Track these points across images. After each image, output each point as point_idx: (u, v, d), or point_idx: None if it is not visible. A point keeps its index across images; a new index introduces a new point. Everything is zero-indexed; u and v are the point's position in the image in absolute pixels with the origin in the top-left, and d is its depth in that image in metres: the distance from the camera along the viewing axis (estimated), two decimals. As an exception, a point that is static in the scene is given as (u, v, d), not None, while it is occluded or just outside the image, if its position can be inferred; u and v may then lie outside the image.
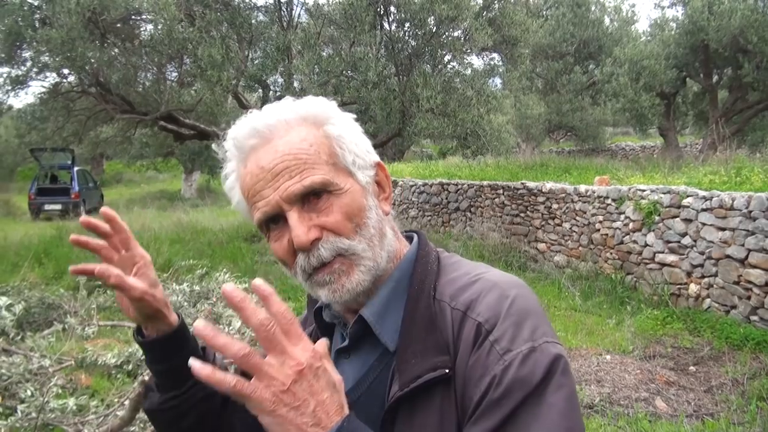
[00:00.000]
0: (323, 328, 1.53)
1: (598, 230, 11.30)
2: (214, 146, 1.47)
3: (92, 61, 13.92)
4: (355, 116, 1.46)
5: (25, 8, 14.11)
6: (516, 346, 1.17)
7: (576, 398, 1.21)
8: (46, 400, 4.50)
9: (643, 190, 10.36)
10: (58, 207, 25.30)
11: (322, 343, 1.18)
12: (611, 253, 11.02)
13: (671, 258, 9.66)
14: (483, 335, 1.21)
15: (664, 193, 9.93)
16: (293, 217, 1.28)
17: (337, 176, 1.32)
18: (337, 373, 1.17)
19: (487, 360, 1.18)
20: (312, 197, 1.30)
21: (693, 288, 9.28)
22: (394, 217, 1.48)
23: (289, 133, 1.32)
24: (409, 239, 1.52)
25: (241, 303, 1.05)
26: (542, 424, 1.13)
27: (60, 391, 5.14)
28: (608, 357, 7.84)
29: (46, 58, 14.45)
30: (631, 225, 10.46)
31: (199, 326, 1.04)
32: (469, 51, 14.85)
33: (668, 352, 8.08)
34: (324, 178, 1.29)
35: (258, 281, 1.09)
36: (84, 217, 1.52)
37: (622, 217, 10.71)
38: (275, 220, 1.34)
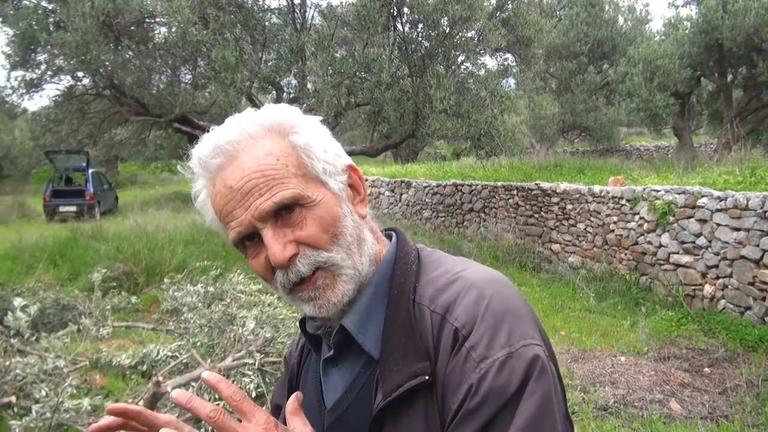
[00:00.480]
0: (311, 338, 1.51)
1: (613, 231, 11.26)
2: (179, 167, 1.44)
3: (107, 63, 13.97)
4: (320, 118, 1.43)
5: (40, 12, 14.19)
6: (492, 353, 1.16)
7: (551, 400, 1.17)
8: (60, 400, 4.52)
9: (658, 191, 10.32)
10: (73, 209, 25.36)
11: (291, 400, 1.26)
12: (626, 254, 10.98)
13: (686, 259, 9.62)
14: (460, 341, 1.19)
15: (678, 194, 9.89)
16: (268, 234, 1.26)
17: (308, 187, 1.29)
18: (305, 426, 1.24)
19: (464, 368, 1.17)
20: (284, 212, 1.27)
21: (708, 289, 9.24)
22: (374, 217, 1.47)
23: (254, 148, 1.29)
24: (389, 237, 1.50)
25: (189, 404, 1.13)
26: None
27: (75, 391, 5.15)
28: (623, 358, 7.81)
29: (61, 62, 14.53)
30: (645, 225, 10.42)
31: (174, 395, 1.11)
32: (482, 51, 14.84)
33: (683, 354, 8.04)
34: (294, 192, 1.26)
35: (206, 374, 1.16)
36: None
37: (637, 217, 10.67)
38: (250, 238, 1.31)
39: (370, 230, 1.43)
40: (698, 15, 21.51)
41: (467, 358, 1.17)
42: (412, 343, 1.25)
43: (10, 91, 15.70)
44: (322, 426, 1.40)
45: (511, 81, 18.83)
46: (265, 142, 1.30)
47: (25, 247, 14.93)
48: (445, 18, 13.72)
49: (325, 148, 1.35)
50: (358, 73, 14.07)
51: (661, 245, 10.13)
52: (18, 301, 5.58)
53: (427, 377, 1.20)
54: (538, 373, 1.16)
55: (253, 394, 4.74)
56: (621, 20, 28.53)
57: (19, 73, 15.42)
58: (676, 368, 7.54)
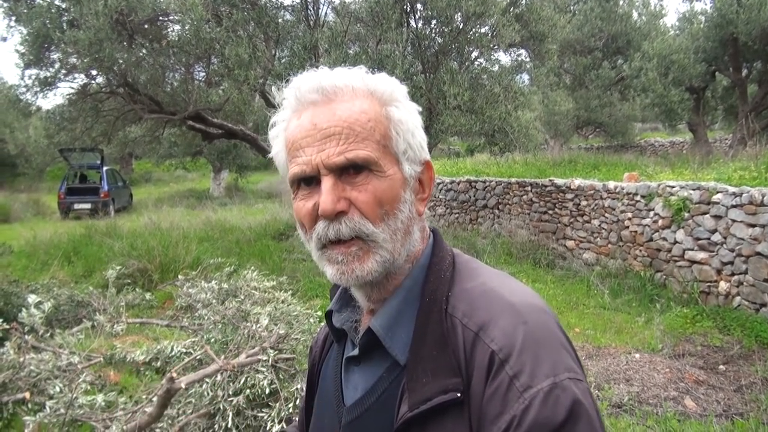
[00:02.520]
0: (335, 332, 1.51)
1: (627, 227, 11.21)
2: (273, 89, 1.43)
3: (120, 61, 14.02)
4: (420, 109, 1.43)
5: (53, 10, 14.22)
6: (536, 383, 1.11)
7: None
8: (74, 396, 4.53)
9: (673, 187, 10.27)
10: (88, 206, 25.50)
11: None
12: (640, 251, 10.93)
13: (701, 255, 9.57)
14: (497, 365, 1.15)
15: (693, 190, 9.84)
16: (328, 183, 1.27)
17: (384, 159, 1.30)
18: None
19: (506, 397, 1.11)
20: (352, 170, 1.28)
21: (723, 286, 9.19)
22: (427, 218, 1.46)
23: (352, 101, 1.31)
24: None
25: None
26: None
27: (89, 387, 5.15)
28: (637, 355, 7.78)
29: (75, 60, 14.57)
30: (660, 222, 10.37)
31: None
32: (496, 47, 14.79)
33: (698, 351, 8.00)
34: (369, 155, 1.27)
35: None
36: None
37: (652, 213, 10.62)
38: (308, 181, 1.32)
39: (421, 229, 1.42)
40: (713, 9, 21.41)
41: (510, 387, 1.12)
42: (443, 357, 1.22)
43: (24, 90, 15.77)
44: (339, 422, 1.40)
45: (525, 77, 18.81)
46: (364, 100, 1.32)
47: (40, 244, 15.02)
48: (459, 14, 13.69)
49: (414, 133, 1.36)
50: (371, 70, 14.05)
51: (675, 242, 10.08)
52: (32, 298, 5.59)
53: (459, 394, 1.17)
54: (583, 410, 1.12)
55: (267, 391, 4.74)
56: (635, 15, 28.43)
57: (33, 71, 15.49)
58: (690, 365, 7.50)
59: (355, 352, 1.39)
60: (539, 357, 1.14)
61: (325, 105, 1.30)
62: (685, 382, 7.00)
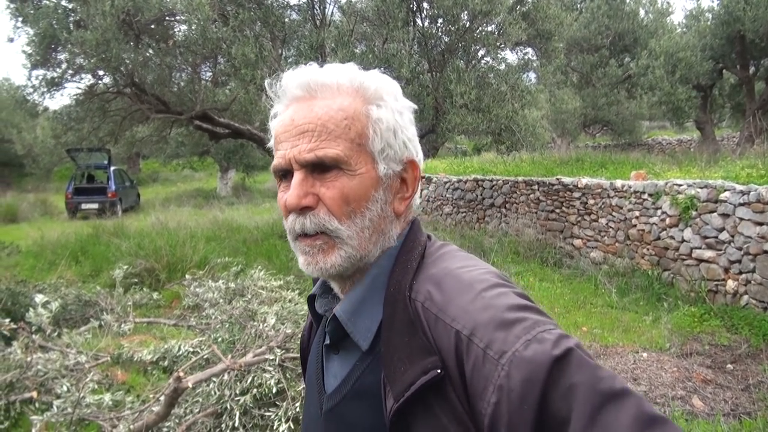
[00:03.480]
0: (316, 317, 1.54)
1: (635, 226, 11.18)
2: (267, 82, 1.46)
3: (127, 62, 14.04)
4: (414, 106, 1.45)
5: (60, 11, 14.26)
6: (509, 346, 1.09)
7: (587, 355, 1.11)
8: (82, 395, 4.54)
9: (680, 185, 10.23)
10: (95, 206, 25.57)
11: None
12: (648, 249, 10.90)
13: (708, 254, 9.54)
14: (465, 342, 1.14)
15: (700, 188, 9.80)
16: (297, 178, 1.31)
17: (357, 157, 1.32)
18: None
19: (485, 369, 1.10)
20: (323, 166, 1.31)
21: (730, 284, 9.16)
22: (422, 216, 1.46)
23: (333, 98, 1.34)
24: None
25: None
26: (578, 396, 1.04)
27: (96, 386, 5.17)
28: (645, 354, 7.76)
29: (82, 60, 14.60)
30: (667, 220, 10.33)
31: None
32: (502, 46, 14.80)
33: (705, 350, 7.98)
34: (338, 154, 1.30)
35: None
36: None
37: (659, 212, 10.58)
38: (286, 174, 1.37)
39: (401, 227, 1.43)
40: (720, 6, 21.40)
41: (485, 358, 1.11)
42: (415, 340, 1.22)
43: (31, 90, 15.81)
44: (320, 409, 1.42)
45: (532, 75, 18.85)
46: (345, 98, 1.35)
47: (47, 244, 15.06)
48: (465, 12, 13.70)
49: (396, 132, 1.37)
50: (377, 69, 14.06)
51: (683, 240, 10.05)
52: (40, 298, 5.61)
53: (439, 370, 1.15)
54: (568, 350, 1.09)
55: (274, 390, 4.74)
56: (642, 12, 28.41)
57: (40, 72, 15.52)
58: (698, 364, 7.48)
59: (327, 341, 1.42)
60: (504, 323, 1.13)
61: (306, 101, 1.34)
62: (693, 382, 6.98)
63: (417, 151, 1.43)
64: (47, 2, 14.95)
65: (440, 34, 14.78)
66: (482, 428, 1.12)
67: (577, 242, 12.84)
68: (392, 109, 1.38)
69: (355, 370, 1.34)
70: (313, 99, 1.34)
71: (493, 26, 14.42)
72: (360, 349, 1.34)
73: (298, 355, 5.34)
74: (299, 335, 5.58)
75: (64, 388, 4.71)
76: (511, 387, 1.06)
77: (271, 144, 1.43)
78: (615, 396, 1.04)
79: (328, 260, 1.33)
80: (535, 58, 17.83)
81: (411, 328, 1.23)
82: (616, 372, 7.26)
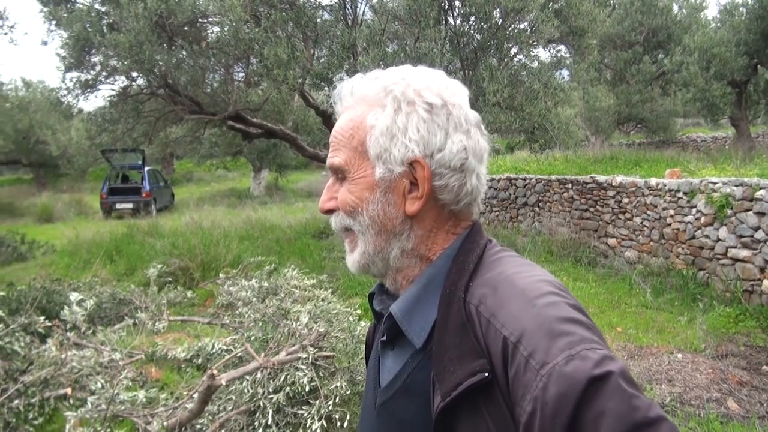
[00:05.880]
0: (375, 314, 1.62)
1: (670, 225, 11.07)
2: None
3: (160, 63, 14.12)
4: (440, 102, 1.43)
5: (93, 14, 14.37)
6: (551, 359, 1.09)
7: (629, 377, 1.10)
8: (116, 392, 4.57)
9: (715, 183, 10.11)
10: (130, 206, 25.85)
11: None
12: (683, 248, 10.78)
13: (744, 253, 9.41)
14: (511, 349, 1.16)
15: (736, 186, 9.68)
16: (327, 183, 1.52)
17: (358, 163, 1.44)
18: None
19: (525, 377, 1.12)
20: (339, 173, 1.48)
21: (766, 284, 9.03)
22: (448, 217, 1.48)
23: (352, 109, 1.47)
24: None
25: None
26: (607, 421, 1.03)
27: (130, 383, 5.23)
28: (679, 355, 7.68)
29: (115, 62, 14.71)
30: (702, 219, 10.21)
31: None
32: (535, 43, 14.70)
33: (741, 351, 7.88)
34: (340, 162, 1.45)
35: None
36: None
37: (694, 210, 10.46)
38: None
39: (433, 227, 1.45)
40: (754, 0, 21.12)
41: (527, 367, 1.12)
42: (466, 342, 1.24)
43: (65, 92, 15.96)
44: (374, 402, 1.49)
45: (565, 72, 18.69)
46: (358, 109, 1.47)
47: (82, 243, 15.23)
48: (497, 10, 13.63)
49: (395, 134, 1.40)
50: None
51: (718, 239, 9.92)
52: (74, 296, 5.66)
53: (486, 374, 1.18)
54: (607, 373, 1.07)
55: (307, 388, 4.75)
56: (675, 8, 28.12)
57: (74, 74, 15.67)
58: (733, 366, 7.39)
59: (384, 337, 1.49)
60: (551, 334, 1.13)
61: (340, 111, 1.52)
62: (728, 383, 6.89)
63: (429, 149, 1.41)
64: (80, 5, 15.08)
65: (472, 32, 14.71)
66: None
67: (612, 241, 12.74)
68: (391, 112, 1.41)
69: (407, 366, 1.40)
70: (345, 109, 1.49)
71: (525, 24, 14.33)
72: (413, 346, 1.38)
73: (332, 353, 5.37)
74: (332, 334, 5.59)
75: (99, 385, 4.74)
76: (546, 400, 1.07)
77: None
78: (646, 426, 1.03)
79: (352, 257, 1.49)
80: (568, 55, 17.70)
81: (463, 330, 1.26)
82: (651, 371, 7.20)
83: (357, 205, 1.42)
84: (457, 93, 1.47)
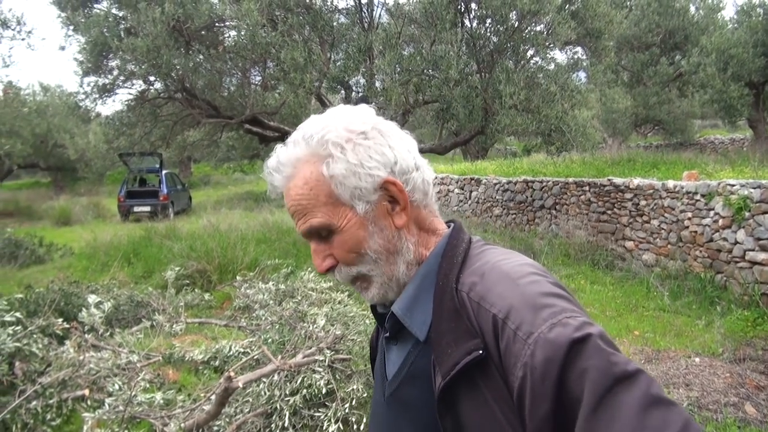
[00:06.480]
0: (378, 317, 1.68)
1: (687, 227, 11.00)
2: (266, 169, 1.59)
3: (177, 67, 14.19)
4: (368, 126, 1.50)
5: (111, 19, 14.50)
6: (536, 328, 1.21)
7: (607, 337, 1.23)
8: (133, 393, 4.60)
9: (733, 185, 10.04)
10: (147, 209, 25.95)
11: None
12: (700, 251, 10.71)
13: (762, 256, 9.34)
14: (500, 324, 1.27)
15: (754, 188, 9.60)
16: (312, 248, 1.53)
17: (336, 213, 1.45)
18: None
19: (515, 347, 1.23)
20: (323, 231, 1.48)
21: (785, 287, 8.98)
22: (435, 213, 1.61)
23: (298, 175, 1.46)
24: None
25: None
26: (590, 376, 1.15)
27: (147, 385, 5.25)
28: (697, 359, 7.64)
29: (133, 67, 14.82)
30: (720, 221, 10.14)
31: None
32: (552, 45, 14.67)
33: (759, 355, 7.82)
34: (321, 221, 1.45)
35: None
36: None
37: (712, 213, 10.39)
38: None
39: (419, 230, 1.56)
40: (772, 1, 21.01)
41: (515, 338, 1.23)
42: (460, 325, 1.34)
43: (83, 97, 16.11)
44: (383, 395, 1.60)
45: (582, 74, 18.63)
46: (305, 169, 1.46)
47: (100, 246, 15.29)
48: (514, 12, 13.61)
49: (356, 172, 1.45)
50: (426, 71, 14.03)
51: (736, 242, 9.85)
52: (92, 298, 5.72)
53: (481, 351, 1.28)
54: (587, 336, 1.19)
55: (324, 391, 4.76)
56: (692, 9, 27.93)
57: (92, 78, 15.80)
58: (751, 370, 7.34)
59: (387, 334, 1.59)
60: (535, 307, 1.25)
61: (285, 185, 1.49)
62: (746, 388, 6.85)
63: (394, 163, 1.49)
64: (98, 10, 15.20)
65: (489, 34, 14.70)
66: (513, 400, 1.24)
67: (629, 244, 12.69)
68: (342, 155, 1.45)
69: (410, 356, 1.50)
70: (288, 180, 1.48)
71: (542, 26, 14.30)
72: (413, 338, 1.49)
73: (348, 356, 5.39)
74: (348, 336, 5.60)
75: (116, 387, 4.78)
76: (535, 365, 1.19)
77: None
78: (625, 378, 1.15)
79: (369, 294, 1.53)
80: (584, 57, 17.68)
81: (457, 315, 1.36)
82: (669, 375, 7.17)
83: (359, 248, 1.46)
84: (369, 113, 1.54)
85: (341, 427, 4.52)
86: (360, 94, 15.27)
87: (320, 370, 4.93)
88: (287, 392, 4.79)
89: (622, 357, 1.18)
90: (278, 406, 4.71)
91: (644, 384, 1.14)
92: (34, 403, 4.99)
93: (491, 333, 1.28)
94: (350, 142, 1.45)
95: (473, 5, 14.59)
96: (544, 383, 1.17)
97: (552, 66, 15.27)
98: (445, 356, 1.33)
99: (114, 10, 15.24)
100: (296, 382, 4.85)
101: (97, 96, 15.93)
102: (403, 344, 1.54)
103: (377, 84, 14.60)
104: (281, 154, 1.49)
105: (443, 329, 1.37)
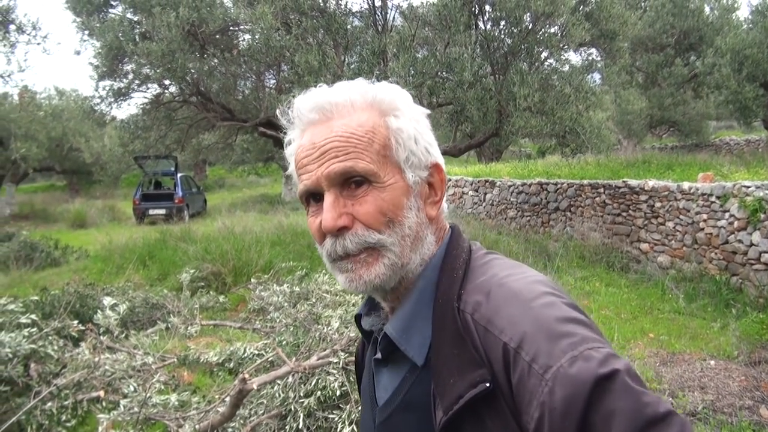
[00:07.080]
0: (365, 334, 1.56)
1: (703, 229, 10.95)
2: (278, 112, 1.46)
3: (192, 71, 14.27)
4: (428, 112, 1.45)
5: (126, 23, 14.59)
6: (555, 361, 1.07)
7: (635, 375, 1.07)
8: (148, 395, 4.62)
9: (748, 187, 9.99)
10: (163, 211, 26.06)
11: None
12: (716, 254, 10.66)
13: (777, 258, 9.32)
14: (512, 354, 1.12)
15: (769, 189, 9.59)
16: (328, 199, 1.30)
17: (384, 169, 1.31)
18: None
19: (530, 383, 1.08)
20: (353, 183, 1.30)
21: (801, 289, 8.93)
22: (448, 218, 1.49)
23: (350, 116, 1.33)
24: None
25: None
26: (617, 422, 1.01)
27: (162, 387, 5.28)
28: (712, 362, 7.61)
29: (148, 70, 14.90)
30: (736, 223, 10.09)
31: None
32: (566, 47, 14.65)
33: (774, 358, 7.80)
34: (367, 166, 1.29)
35: None
36: None
37: (727, 215, 10.34)
38: (315, 197, 1.35)
39: (436, 232, 1.43)
40: (787, 2, 20.92)
41: (531, 372, 1.09)
42: (464, 353, 1.20)
43: (98, 101, 16.23)
44: (373, 421, 1.44)
45: (596, 76, 18.60)
46: (362, 114, 1.34)
47: (116, 248, 15.34)
48: (528, 14, 13.61)
49: (417, 139, 1.37)
50: (440, 73, 14.04)
51: (752, 244, 9.80)
52: (108, 300, 5.73)
53: (488, 384, 1.14)
54: (613, 371, 1.05)
55: (338, 393, 4.76)
56: (707, 9, 27.87)
57: (107, 82, 15.92)
58: (766, 373, 7.30)
59: (378, 356, 1.42)
60: (552, 336, 1.10)
61: (324, 123, 1.33)
62: (761, 391, 6.82)
63: (439, 155, 1.43)
64: (113, 15, 15.28)
65: (503, 36, 14.70)
66: None
67: (644, 246, 12.64)
68: (409, 118, 1.38)
69: (405, 382, 1.35)
70: (329, 120, 1.33)
71: (556, 27, 14.29)
72: (409, 361, 1.34)
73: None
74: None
75: (131, 388, 4.80)
76: (554, 404, 1.04)
77: (290, 172, 1.44)
78: (659, 421, 1.02)
79: (372, 271, 1.31)
80: (599, 58, 17.64)
81: (460, 341, 1.22)
82: (684, 378, 7.14)
83: (395, 213, 1.30)
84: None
85: (355, 429, 4.52)
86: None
87: (334, 372, 4.93)
88: (301, 394, 4.80)
89: (652, 397, 1.04)
90: (293, 408, 4.72)
91: (677, 428, 1.01)
92: (49, 404, 5.02)
93: (501, 363, 1.14)
94: (411, 112, 1.39)
95: (487, 7, 14.59)
96: (565, 425, 1.03)
97: (566, 68, 15.27)
98: (447, 387, 1.19)
99: (129, 15, 15.33)
100: (310, 384, 4.86)
101: (112, 100, 16.05)
102: (397, 367, 1.39)
103: (391, 86, 14.59)
104: (333, 93, 1.36)
105: (445, 355, 1.23)
